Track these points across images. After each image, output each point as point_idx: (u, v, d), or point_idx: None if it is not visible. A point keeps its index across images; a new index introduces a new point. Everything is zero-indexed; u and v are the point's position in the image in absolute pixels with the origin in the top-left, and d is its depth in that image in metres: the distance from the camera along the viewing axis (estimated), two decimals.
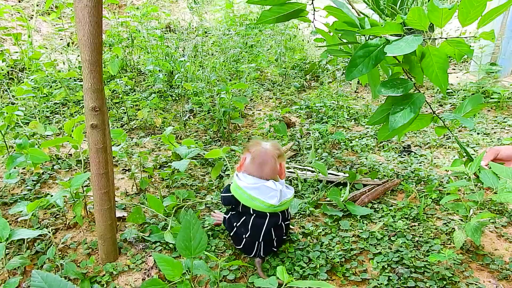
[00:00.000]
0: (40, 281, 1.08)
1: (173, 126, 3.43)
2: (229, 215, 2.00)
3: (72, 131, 2.26)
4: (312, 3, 1.72)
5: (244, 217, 1.90)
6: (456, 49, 1.30)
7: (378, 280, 1.79)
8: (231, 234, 1.97)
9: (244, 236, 1.90)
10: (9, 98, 3.83)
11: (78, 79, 4.15)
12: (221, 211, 2.29)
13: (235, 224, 1.93)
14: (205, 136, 3.42)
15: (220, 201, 2.25)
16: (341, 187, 2.55)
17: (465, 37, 1.34)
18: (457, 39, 1.29)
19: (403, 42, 1.23)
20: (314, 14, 1.67)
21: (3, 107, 2.82)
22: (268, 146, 1.94)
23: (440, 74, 1.32)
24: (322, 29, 1.92)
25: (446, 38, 1.31)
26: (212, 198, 2.48)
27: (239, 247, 1.95)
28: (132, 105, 3.87)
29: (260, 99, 4.28)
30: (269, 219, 1.87)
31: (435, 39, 1.40)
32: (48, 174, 2.71)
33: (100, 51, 1.64)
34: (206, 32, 6.02)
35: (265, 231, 1.87)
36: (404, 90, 1.33)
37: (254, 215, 1.88)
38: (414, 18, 1.27)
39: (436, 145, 3.14)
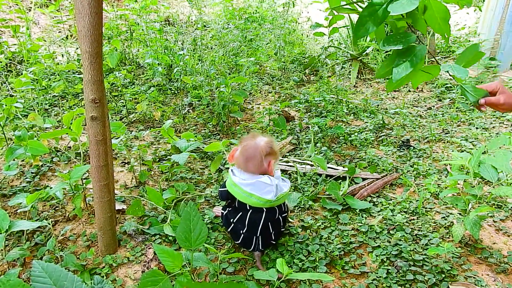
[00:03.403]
0: (41, 271, 1.08)
1: (172, 119, 3.42)
2: (226, 211, 2.00)
3: (71, 123, 2.25)
4: None
5: (241, 213, 1.90)
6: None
7: (377, 273, 1.80)
8: (229, 230, 1.98)
9: (241, 231, 1.90)
10: (8, 90, 3.81)
11: (76, 71, 4.13)
12: (220, 205, 2.30)
13: (231, 220, 1.93)
14: (204, 129, 3.41)
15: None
16: (340, 181, 2.55)
17: None
18: None
19: (405, 0, 1.32)
20: None
21: (2, 99, 2.81)
22: (261, 142, 1.90)
23: (443, 24, 1.42)
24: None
25: None
26: (211, 191, 2.48)
27: (237, 242, 1.96)
28: (131, 98, 3.86)
29: (259, 93, 4.28)
30: (265, 214, 1.87)
31: None
32: (47, 166, 2.71)
33: (100, 43, 1.63)
34: (205, 26, 5.99)
35: (262, 226, 1.87)
36: (406, 43, 1.42)
37: (251, 210, 1.87)
38: None
39: (435, 139, 3.14)
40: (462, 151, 2.92)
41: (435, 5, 1.39)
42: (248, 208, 1.87)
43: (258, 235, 1.88)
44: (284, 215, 1.98)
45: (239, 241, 1.94)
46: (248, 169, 1.89)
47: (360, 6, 1.62)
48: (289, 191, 1.96)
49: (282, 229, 1.99)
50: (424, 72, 1.52)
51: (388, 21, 1.68)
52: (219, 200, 2.37)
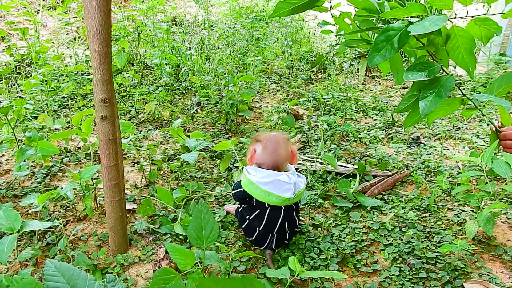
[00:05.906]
0: (54, 270, 1.08)
1: (181, 119, 3.42)
2: (241, 207, 1.98)
3: (81, 124, 2.26)
4: None
5: (258, 210, 1.87)
6: (483, 28, 1.25)
7: (390, 271, 1.78)
8: (243, 226, 1.96)
9: (257, 228, 1.88)
10: (18, 92, 3.84)
11: (85, 73, 4.16)
12: (230, 203, 2.29)
13: (247, 217, 1.91)
14: (213, 128, 3.41)
15: (231, 195, 2.25)
16: (350, 178, 2.54)
17: (492, 15, 1.28)
18: (484, 17, 1.23)
19: (427, 21, 1.18)
20: (331, 2, 1.63)
21: (12, 100, 2.83)
22: (275, 133, 1.94)
23: (467, 56, 1.26)
24: (336, 19, 1.88)
25: (472, 17, 1.26)
26: (221, 190, 2.47)
27: (250, 239, 1.94)
28: (139, 99, 3.87)
29: (267, 91, 4.27)
30: (284, 212, 1.85)
31: (460, 18, 1.31)
32: (58, 167, 2.72)
33: (109, 42, 1.63)
34: (212, 25, 5.99)
35: (280, 224, 1.85)
36: (431, 73, 1.28)
37: (269, 208, 1.85)
38: None
39: (445, 136, 3.11)
40: (473, 148, 2.89)
41: (460, 33, 1.23)
42: (266, 206, 1.85)
43: (274, 233, 1.87)
44: (298, 214, 1.97)
45: (253, 238, 1.92)
46: (279, 160, 1.86)
47: (376, 32, 1.47)
48: (305, 187, 1.95)
49: (296, 229, 1.98)
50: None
51: (406, 51, 1.55)
52: (229, 199, 2.37)
